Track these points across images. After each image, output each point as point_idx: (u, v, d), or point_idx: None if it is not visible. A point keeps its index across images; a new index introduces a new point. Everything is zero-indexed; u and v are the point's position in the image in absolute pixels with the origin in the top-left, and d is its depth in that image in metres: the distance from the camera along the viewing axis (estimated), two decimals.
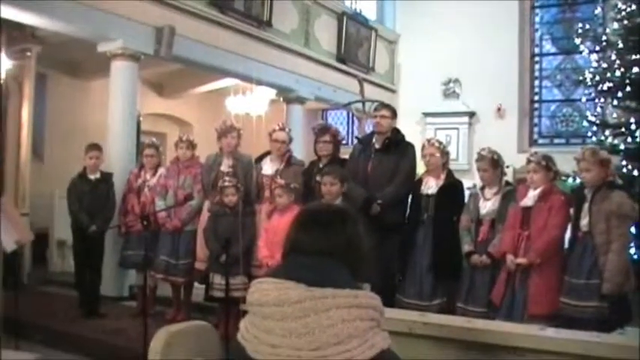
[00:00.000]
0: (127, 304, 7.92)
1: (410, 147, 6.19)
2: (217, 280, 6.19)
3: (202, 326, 2.01)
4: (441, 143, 6.06)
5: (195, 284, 6.95)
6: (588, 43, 10.60)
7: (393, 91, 14.23)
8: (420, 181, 6.02)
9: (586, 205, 4.93)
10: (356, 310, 1.71)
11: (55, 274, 9.70)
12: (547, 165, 5.16)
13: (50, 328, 6.77)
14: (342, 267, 1.82)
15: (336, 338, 1.66)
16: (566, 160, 5.82)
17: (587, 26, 10.91)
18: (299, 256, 1.84)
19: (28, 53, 9.16)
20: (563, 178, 7.42)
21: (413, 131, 6.16)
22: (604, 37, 10.13)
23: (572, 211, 5.07)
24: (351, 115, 14.52)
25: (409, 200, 6.09)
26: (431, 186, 5.90)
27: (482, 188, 5.67)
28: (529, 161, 5.25)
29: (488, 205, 5.53)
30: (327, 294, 1.70)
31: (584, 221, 4.93)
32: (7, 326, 5.55)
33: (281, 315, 1.70)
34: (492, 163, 5.58)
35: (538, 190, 5.13)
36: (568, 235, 5.11)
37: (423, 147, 6.04)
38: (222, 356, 1.99)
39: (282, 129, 6.62)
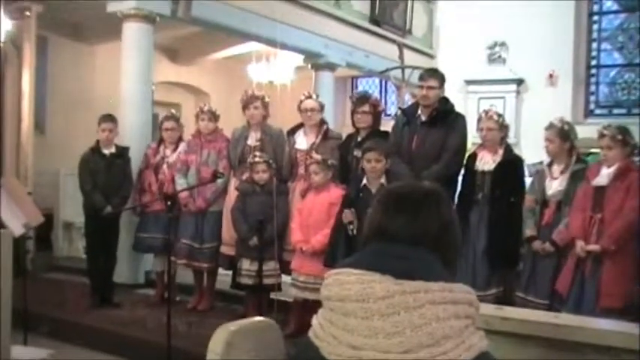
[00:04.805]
0: (143, 291, 7.97)
1: (460, 118, 6.07)
2: (246, 265, 6.22)
3: (265, 323, 1.96)
4: (500, 116, 5.96)
5: (220, 270, 6.96)
6: None
7: (431, 57, 14.03)
8: (475, 155, 5.93)
9: None
10: (451, 306, 1.64)
11: (61, 259, 9.76)
12: (624, 139, 5.03)
13: (59, 318, 6.82)
14: (434, 256, 1.74)
15: (430, 339, 1.59)
16: None
17: None
18: (385, 244, 1.76)
19: (27, 13, 8.99)
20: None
21: (453, 101, 6.08)
22: None
23: None
24: (384, 83, 14.41)
25: (460, 177, 6.01)
26: (487, 162, 5.82)
27: (550, 165, 5.57)
28: (602, 135, 5.13)
29: (555, 185, 5.44)
30: (419, 288, 1.63)
31: None
32: (13, 318, 5.57)
33: (365, 312, 1.63)
34: (561, 134, 5.47)
35: (613, 168, 5.02)
36: None
37: (480, 119, 5.95)
38: (287, 356, 1.93)
39: (309, 96, 6.57)
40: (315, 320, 1.78)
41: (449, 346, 1.60)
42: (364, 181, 5.61)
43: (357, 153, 6.01)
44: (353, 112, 6.39)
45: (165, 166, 7.21)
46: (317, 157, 5.96)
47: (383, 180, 5.49)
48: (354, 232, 5.42)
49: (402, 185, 1.92)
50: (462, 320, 1.65)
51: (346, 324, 1.66)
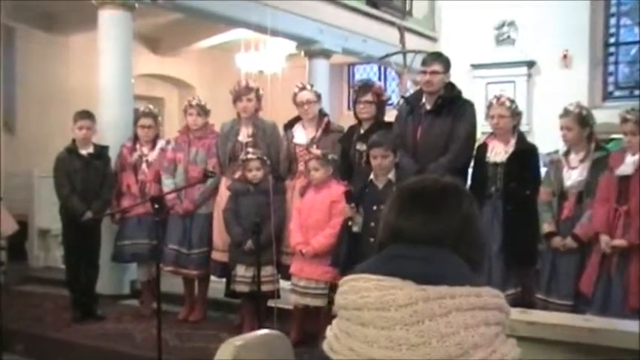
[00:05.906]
0: (128, 302, 7.94)
1: (468, 105, 6.04)
2: (241, 271, 6.21)
3: (272, 336, 1.95)
4: (512, 102, 5.95)
5: (213, 277, 6.94)
6: None
7: (433, 40, 14.04)
8: (485, 146, 5.92)
9: None
10: (480, 312, 1.63)
11: (36, 270, 9.71)
12: None
13: (36, 334, 6.82)
14: (457, 257, 1.73)
15: (459, 349, 1.57)
16: None
17: None
18: (403, 246, 1.74)
19: None
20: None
21: (459, 87, 6.05)
22: None
23: None
24: (384, 70, 14.39)
25: (470, 170, 6.01)
26: (499, 152, 5.82)
27: (567, 153, 5.56)
28: (625, 119, 5.12)
29: (574, 175, 5.44)
30: (444, 293, 1.61)
31: None
32: None
33: (386, 322, 1.61)
34: (580, 120, 5.46)
35: (638, 155, 5.01)
36: None
37: (490, 106, 5.94)
38: None
39: (304, 87, 6.55)
40: (329, 332, 1.76)
41: (479, 356, 1.59)
42: (371, 175, 5.60)
43: (360, 146, 6.00)
44: (355, 102, 6.38)
45: (144, 166, 7.18)
46: (316, 152, 5.97)
47: (391, 175, 5.51)
48: (355, 229, 5.43)
49: (417, 180, 1.89)
50: (492, 327, 1.64)
51: (365, 335, 1.64)
